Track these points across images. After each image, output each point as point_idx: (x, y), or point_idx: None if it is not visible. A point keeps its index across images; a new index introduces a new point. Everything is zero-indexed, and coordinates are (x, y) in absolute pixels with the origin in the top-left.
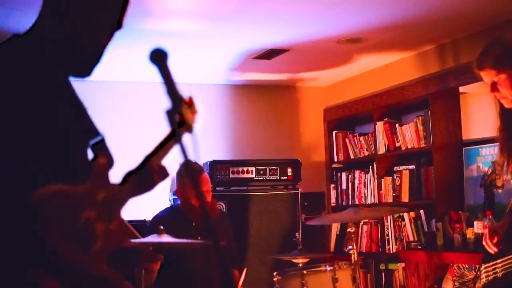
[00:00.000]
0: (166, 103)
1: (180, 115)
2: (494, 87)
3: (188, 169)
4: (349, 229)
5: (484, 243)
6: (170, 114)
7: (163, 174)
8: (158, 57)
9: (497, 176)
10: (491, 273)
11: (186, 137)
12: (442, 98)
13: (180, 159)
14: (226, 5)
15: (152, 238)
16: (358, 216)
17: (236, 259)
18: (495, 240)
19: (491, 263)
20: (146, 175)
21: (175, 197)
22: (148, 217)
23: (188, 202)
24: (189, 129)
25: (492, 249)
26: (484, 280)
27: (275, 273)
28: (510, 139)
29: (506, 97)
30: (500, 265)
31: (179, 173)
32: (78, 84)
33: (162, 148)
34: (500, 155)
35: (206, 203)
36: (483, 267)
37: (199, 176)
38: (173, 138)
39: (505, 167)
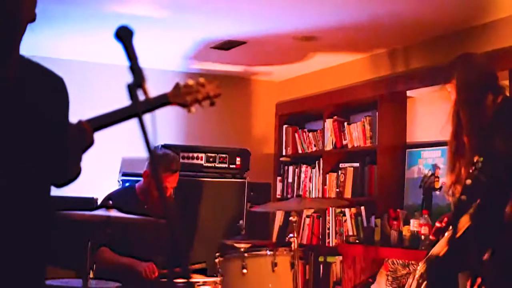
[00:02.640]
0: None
1: (142, 89)
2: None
3: (155, 166)
4: (291, 218)
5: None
6: (131, 88)
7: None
8: (124, 34)
9: (436, 178)
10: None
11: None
12: (390, 100)
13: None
14: None
15: (100, 212)
16: (301, 205)
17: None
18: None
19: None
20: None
21: (124, 178)
22: (96, 194)
23: (149, 188)
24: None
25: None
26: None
27: (217, 255)
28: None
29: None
30: None
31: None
32: (44, 62)
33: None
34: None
35: (166, 197)
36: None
37: (171, 174)
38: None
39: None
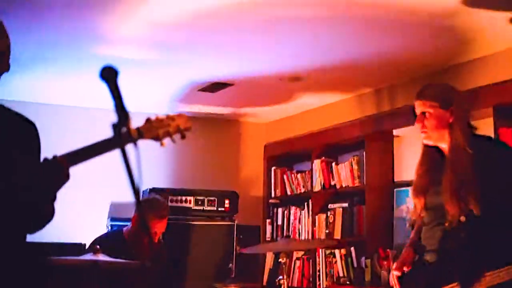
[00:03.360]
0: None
1: (127, 129)
2: (421, 118)
3: (142, 212)
4: (280, 259)
5: (393, 280)
6: (115, 127)
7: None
8: (108, 74)
9: None
10: None
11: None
12: (376, 139)
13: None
14: (175, 36)
15: (87, 257)
16: (290, 246)
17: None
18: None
19: None
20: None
21: (113, 223)
22: (85, 240)
23: (138, 233)
24: (134, 142)
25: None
26: None
27: None
28: (425, 176)
29: (426, 132)
30: None
31: (142, 204)
32: (30, 106)
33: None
34: (413, 192)
35: (153, 244)
36: None
37: (159, 220)
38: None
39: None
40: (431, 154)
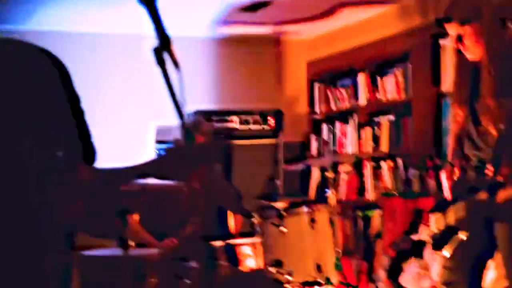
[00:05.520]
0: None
1: (168, 53)
2: (459, 39)
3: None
4: (327, 174)
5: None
6: (157, 52)
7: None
8: None
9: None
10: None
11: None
12: (422, 50)
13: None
14: None
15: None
16: (337, 160)
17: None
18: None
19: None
20: None
21: (159, 146)
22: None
23: None
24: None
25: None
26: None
27: (255, 215)
28: (465, 88)
29: (469, 49)
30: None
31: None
32: (71, 36)
33: None
34: (454, 105)
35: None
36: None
37: (201, 136)
38: None
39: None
40: (466, 62)
